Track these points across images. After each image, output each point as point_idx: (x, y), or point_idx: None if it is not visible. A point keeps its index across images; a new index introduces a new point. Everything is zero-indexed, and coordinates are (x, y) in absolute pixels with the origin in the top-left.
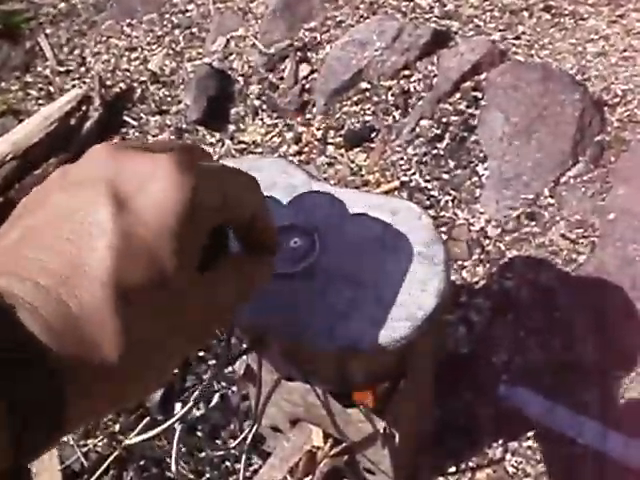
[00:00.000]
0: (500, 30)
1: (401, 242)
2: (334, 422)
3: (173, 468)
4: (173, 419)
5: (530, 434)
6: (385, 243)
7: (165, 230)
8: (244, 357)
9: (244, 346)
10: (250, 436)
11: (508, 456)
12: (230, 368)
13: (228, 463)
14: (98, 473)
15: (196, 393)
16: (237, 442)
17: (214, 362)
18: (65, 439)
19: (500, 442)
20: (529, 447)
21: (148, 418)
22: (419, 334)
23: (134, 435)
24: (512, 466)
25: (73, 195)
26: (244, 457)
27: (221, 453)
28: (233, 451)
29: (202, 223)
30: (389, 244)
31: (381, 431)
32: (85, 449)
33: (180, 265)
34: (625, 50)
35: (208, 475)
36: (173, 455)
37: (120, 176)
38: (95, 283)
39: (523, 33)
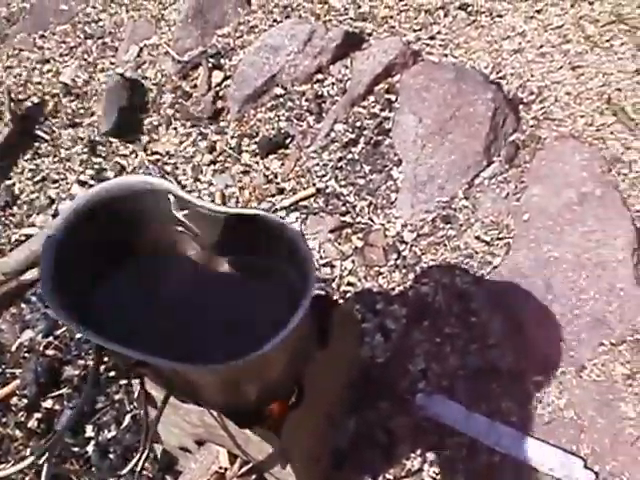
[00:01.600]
0: (415, 30)
1: None
2: (235, 442)
3: None
4: (30, 459)
5: (448, 443)
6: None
7: None
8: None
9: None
10: (141, 462)
11: (426, 467)
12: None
13: None
14: None
15: (62, 420)
16: (128, 469)
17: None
18: None
19: (418, 453)
20: (447, 457)
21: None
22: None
23: None
24: (430, 477)
25: None
26: None
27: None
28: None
29: None
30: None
31: (278, 450)
32: None
33: None
34: (542, 46)
35: None
36: None
37: None
38: None
39: (438, 33)
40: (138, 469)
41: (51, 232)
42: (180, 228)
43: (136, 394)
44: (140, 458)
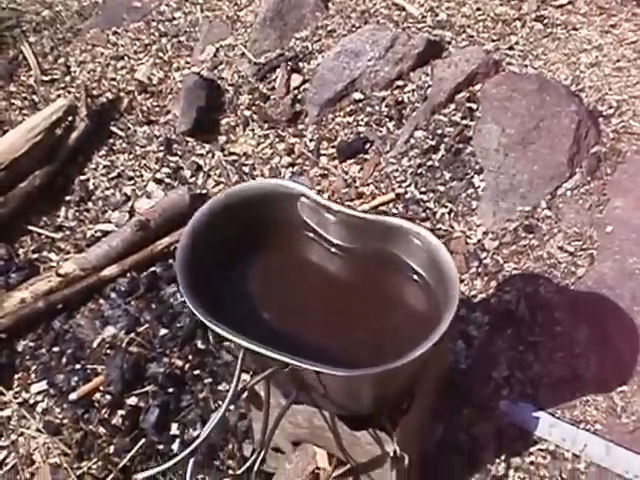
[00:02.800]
0: (493, 40)
1: None
2: (340, 444)
3: None
4: (182, 455)
5: (533, 450)
6: None
7: None
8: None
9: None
10: (257, 463)
11: (511, 472)
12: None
13: None
14: None
15: (208, 428)
16: (244, 469)
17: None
18: (58, 461)
19: (502, 458)
20: (532, 463)
21: (144, 439)
22: None
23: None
24: None
25: None
26: None
27: None
28: None
29: None
30: None
31: (391, 454)
32: (79, 472)
33: None
34: (618, 60)
35: None
36: None
37: None
38: None
39: (516, 43)
40: (255, 469)
41: (186, 230)
42: (310, 233)
43: (244, 394)
44: (257, 459)
